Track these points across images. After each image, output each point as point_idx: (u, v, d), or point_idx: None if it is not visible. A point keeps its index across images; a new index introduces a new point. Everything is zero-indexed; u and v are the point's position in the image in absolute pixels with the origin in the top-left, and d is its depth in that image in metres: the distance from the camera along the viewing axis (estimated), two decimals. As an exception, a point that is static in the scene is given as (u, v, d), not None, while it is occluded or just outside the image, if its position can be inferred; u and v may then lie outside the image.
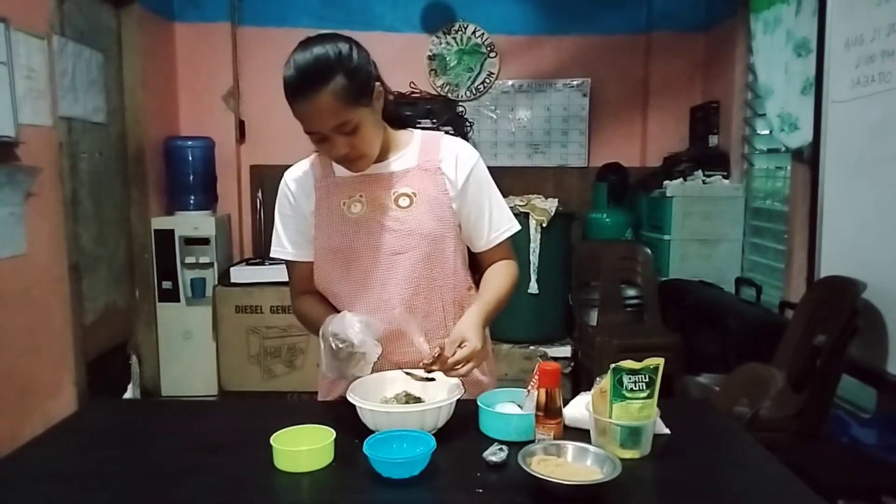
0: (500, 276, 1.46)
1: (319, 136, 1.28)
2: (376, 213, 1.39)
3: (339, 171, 1.42)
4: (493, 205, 1.47)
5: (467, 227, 1.46)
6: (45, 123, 2.64)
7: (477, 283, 1.50)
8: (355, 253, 1.39)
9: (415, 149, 1.44)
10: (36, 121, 2.56)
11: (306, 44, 1.26)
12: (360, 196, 1.40)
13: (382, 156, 1.40)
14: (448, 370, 1.25)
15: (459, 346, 1.25)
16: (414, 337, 1.30)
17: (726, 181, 3.73)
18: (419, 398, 1.28)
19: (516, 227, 1.51)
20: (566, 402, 1.28)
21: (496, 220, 1.47)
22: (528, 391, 1.25)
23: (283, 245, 1.47)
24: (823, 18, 2.51)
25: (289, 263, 1.49)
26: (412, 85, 4.11)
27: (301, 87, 1.22)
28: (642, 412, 1.14)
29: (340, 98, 1.23)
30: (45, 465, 1.17)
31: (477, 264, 1.51)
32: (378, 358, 1.32)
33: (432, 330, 1.40)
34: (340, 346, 1.26)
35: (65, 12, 2.93)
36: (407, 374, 1.33)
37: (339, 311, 1.39)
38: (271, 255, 1.49)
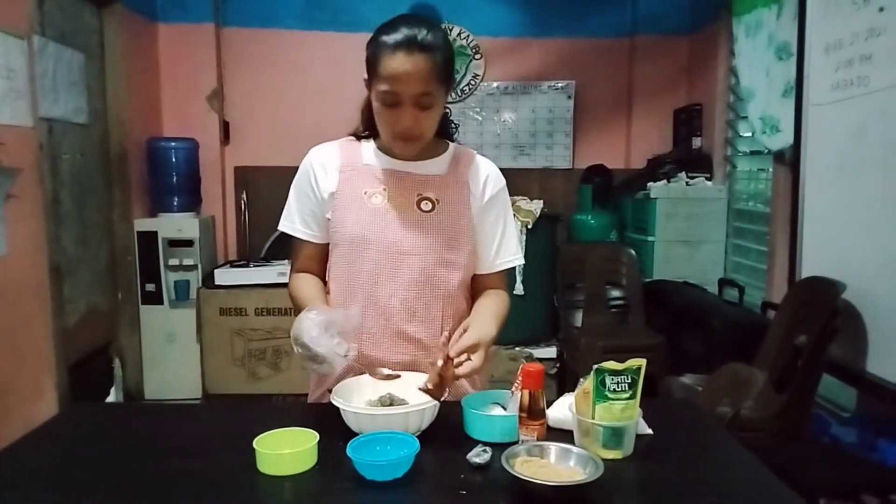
0: (497, 304, 1.44)
1: (396, 99, 1.29)
2: (396, 209, 1.39)
3: (367, 158, 1.44)
4: (506, 233, 1.49)
5: (475, 247, 1.46)
6: (25, 124, 2.61)
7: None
8: (365, 243, 1.38)
9: (446, 158, 1.46)
10: (16, 121, 2.53)
11: (413, 17, 1.31)
12: (384, 189, 1.41)
13: (416, 156, 1.41)
14: (448, 365, 1.21)
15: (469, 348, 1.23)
16: (345, 335, 1.25)
17: (709, 183, 3.77)
18: (404, 400, 1.28)
19: (521, 260, 1.52)
20: (551, 404, 1.28)
21: (504, 249, 1.48)
22: (512, 392, 1.25)
23: (293, 221, 1.46)
24: (803, 23, 2.55)
25: (295, 239, 1.49)
26: (397, 86, 4.10)
27: (409, 45, 1.25)
28: (625, 413, 1.15)
29: (436, 70, 1.28)
30: (26, 470, 1.15)
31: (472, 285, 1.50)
32: (355, 354, 1.27)
33: (428, 337, 1.40)
34: (300, 350, 1.24)
35: (45, 12, 2.90)
36: (372, 374, 1.33)
37: (329, 297, 1.41)
38: (279, 228, 1.48)
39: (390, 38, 1.27)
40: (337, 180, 1.42)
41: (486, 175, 1.47)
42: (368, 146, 1.46)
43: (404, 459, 1.07)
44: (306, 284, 1.45)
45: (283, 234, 1.50)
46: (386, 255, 1.38)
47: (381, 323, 1.39)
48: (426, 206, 1.40)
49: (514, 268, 1.50)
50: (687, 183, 3.75)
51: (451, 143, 1.50)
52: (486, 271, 1.49)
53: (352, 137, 1.48)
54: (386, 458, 1.08)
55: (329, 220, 1.42)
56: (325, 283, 1.48)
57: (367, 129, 1.47)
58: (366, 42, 1.35)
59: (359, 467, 1.06)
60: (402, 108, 1.30)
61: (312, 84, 4.15)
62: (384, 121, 1.34)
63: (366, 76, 1.35)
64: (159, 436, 1.30)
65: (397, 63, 1.26)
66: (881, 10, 2.12)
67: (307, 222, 1.45)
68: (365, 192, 1.40)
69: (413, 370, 1.37)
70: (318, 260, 1.48)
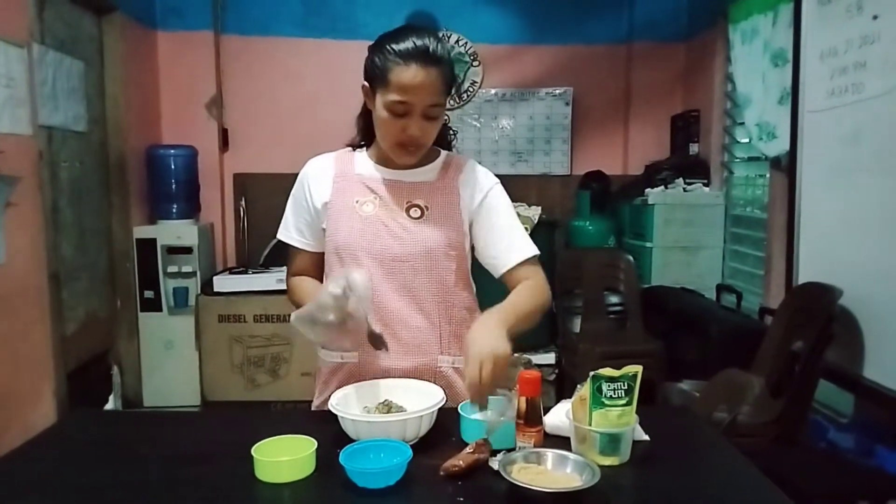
0: (521, 293, 1.39)
1: (407, 109, 1.30)
2: (386, 217, 1.41)
3: (360, 168, 1.46)
4: (513, 228, 1.46)
5: (484, 250, 1.46)
6: (24, 132, 2.62)
7: None
8: (357, 251, 1.40)
9: (437, 166, 1.47)
10: (15, 129, 2.54)
11: (419, 28, 1.32)
12: (375, 199, 1.42)
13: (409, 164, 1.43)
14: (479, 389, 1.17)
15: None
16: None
17: (707, 189, 3.78)
18: (402, 407, 1.28)
19: (535, 251, 1.47)
20: (549, 410, 1.29)
21: (517, 242, 1.45)
22: (510, 399, 1.25)
23: (289, 230, 1.51)
24: (799, 30, 2.56)
25: (291, 247, 1.53)
26: (396, 93, 4.11)
27: (422, 56, 1.28)
28: (621, 419, 1.16)
29: (444, 82, 1.32)
30: (24, 478, 1.16)
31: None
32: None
33: (424, 344, 1.42)
34: (333, 294, 1.23)
35: (45, 20, 2.91)
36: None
37: None
38: (277, 236, 1.53)
39: (402, 49, 1.28)
40: (330, 191, 1.44)
41: (476, 178, 1.47)
42: (362, 156, 1.49)
43: (395, 467, 1.07)
44: (310, 283, 1.49)
45: (280, 241, 1.53)
46: (378, 262, 1.40)
47: (379, 329, 1.39)
48: (415, 213, 1.42)
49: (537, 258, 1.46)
50: (684, 189, 3.77)
51: (442, 151, 1.51)
52: (507, 268, 1.43)
53: (349, 148, 1.51)
54: (377, 466, 1.09)
55: (324, 229, 1.45)
56: None
57: (363, 138, 1.49)
58: (363, 49, 1.36)
59: (351, 475, 1.06)
60: (410, 118, 1.32)
61: (311, 91, 4.17)
62: (389, 130, 1.35)
63: (365, 83, 1.36)
64: (158, 443, 1.30)
65: (412, 74, 1.27)
66: (875, 17, 2.13)
67: (302, 231, 1.50)
68: (357, 202, 1.42)
69: (413, 376, 1.39)
70: (314, 267, 1.51)
